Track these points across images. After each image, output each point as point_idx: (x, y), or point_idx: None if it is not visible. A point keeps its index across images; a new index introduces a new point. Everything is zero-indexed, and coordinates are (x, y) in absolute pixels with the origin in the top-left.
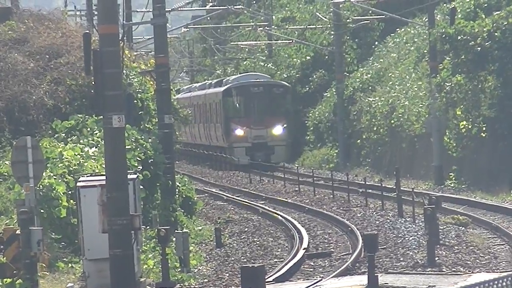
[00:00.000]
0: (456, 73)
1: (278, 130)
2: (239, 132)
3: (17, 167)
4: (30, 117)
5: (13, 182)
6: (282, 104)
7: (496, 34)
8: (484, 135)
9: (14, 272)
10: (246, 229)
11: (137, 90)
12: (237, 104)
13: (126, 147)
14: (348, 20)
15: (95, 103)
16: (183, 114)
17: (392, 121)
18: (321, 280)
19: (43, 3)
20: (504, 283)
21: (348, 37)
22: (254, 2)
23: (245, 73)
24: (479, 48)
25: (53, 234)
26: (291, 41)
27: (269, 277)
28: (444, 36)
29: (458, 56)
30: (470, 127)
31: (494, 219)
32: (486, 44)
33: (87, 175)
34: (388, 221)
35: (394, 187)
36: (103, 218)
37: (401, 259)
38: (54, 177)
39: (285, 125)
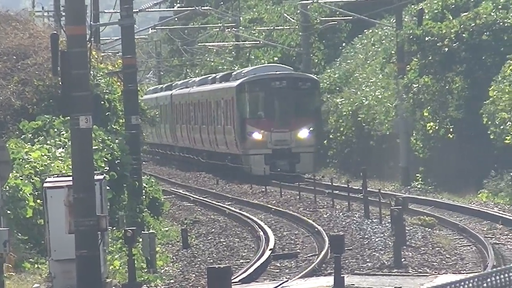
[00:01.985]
0: (424, 74)
1: (304, 133)
2: (257, 136)
3: None
4: None
5: None
6: (310, 101)
7: (463, 35)
8: (451, 136)
9: None
10: (212, 230)
11: (105, 91)
12: (255, 102)
13: (93, 148)
14: (315, 21)
15: (62, 104)
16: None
17: (359, 122)
18: (287, 281)
19: (10, 4)
20: (470, 285)
21: (315, 38)
22: (222, 3)
23: (266, 64)
24: (446, 49)
25: (20, 234)
26: (258, 42)
27: (235, 278)
28: (411, 37)
29: (426, 57)
30: (437, 128)
31: (461, 220)
32: (454, 45)
33: (54, 175)
34: (355, 222)
35: (361, 188)
36: (70, 219)
37: (368, 260)
38: (21, 177)
39: (311, 128)
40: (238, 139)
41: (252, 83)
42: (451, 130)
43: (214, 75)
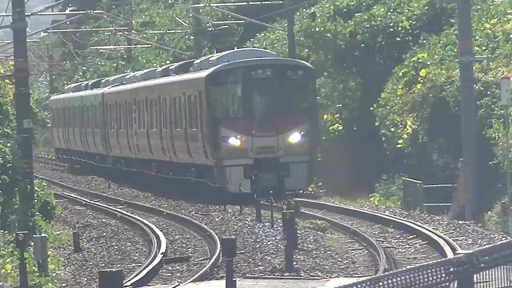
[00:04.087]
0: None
1: (295, 137)
2: (234, 141)
3: None
4: None
5: None
6: (302, 95)
7: (357, 36)
8: (340, 134)
9: None
10: (104, 234)
11: None
12: (231, 98)
13: None
14: (207, 25)
15: None
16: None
17: None
18: (179, 285)
19: None
20: None
21: (207, 42)
22: (114, 6)
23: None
24: (342, 46)
25: None
26: (150, 45)
27: (127, 281)
28: (308, 30)
29: (320, 55)
30: (329, 130)
31: (353, 224)
32: (348, 45)
33: None
34: (247, 225)
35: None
36: None
37: (259, 263)
38: None
39: (302, 132)
40: (208, 146)
41: (227, 72)
42: (342, 131)
43: (165, 66)
